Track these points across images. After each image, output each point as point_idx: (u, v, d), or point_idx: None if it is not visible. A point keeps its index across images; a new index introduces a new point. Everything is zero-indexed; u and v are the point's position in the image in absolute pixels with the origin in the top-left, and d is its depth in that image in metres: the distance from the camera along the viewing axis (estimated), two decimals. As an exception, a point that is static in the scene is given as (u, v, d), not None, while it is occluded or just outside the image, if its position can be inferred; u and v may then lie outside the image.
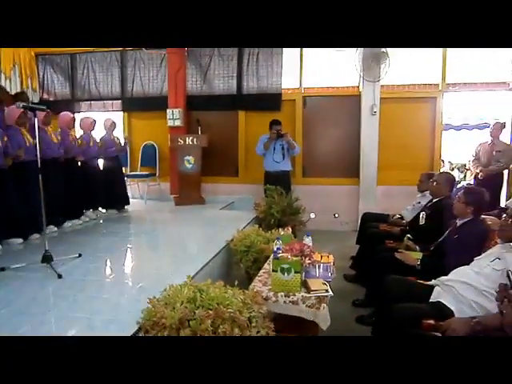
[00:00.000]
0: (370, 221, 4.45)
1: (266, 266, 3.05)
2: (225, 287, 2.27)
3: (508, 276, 1.52)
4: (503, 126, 5.52)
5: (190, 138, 5.61)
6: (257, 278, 2.81)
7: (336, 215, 6.07)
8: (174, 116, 5.83)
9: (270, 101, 5.98)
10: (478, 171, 5.53)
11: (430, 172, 4.59)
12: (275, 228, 4.15)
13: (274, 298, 2.53)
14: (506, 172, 5.57)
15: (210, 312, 2.00)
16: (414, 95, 5.85)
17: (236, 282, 2.29)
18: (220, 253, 3.52)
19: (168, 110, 5.91)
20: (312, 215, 5.12)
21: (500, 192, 5.51)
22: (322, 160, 6.07)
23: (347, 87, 6.11)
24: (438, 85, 5.83)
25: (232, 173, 6.26)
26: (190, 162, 5.63)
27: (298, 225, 4.99)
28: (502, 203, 5.20)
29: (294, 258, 2.60)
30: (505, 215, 2.31)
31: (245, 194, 5.99)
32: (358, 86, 6.15)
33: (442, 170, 6.39)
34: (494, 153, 5.43)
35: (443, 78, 5.77)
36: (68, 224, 4.44)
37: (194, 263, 3.13)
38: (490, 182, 5.29)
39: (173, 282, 2.30)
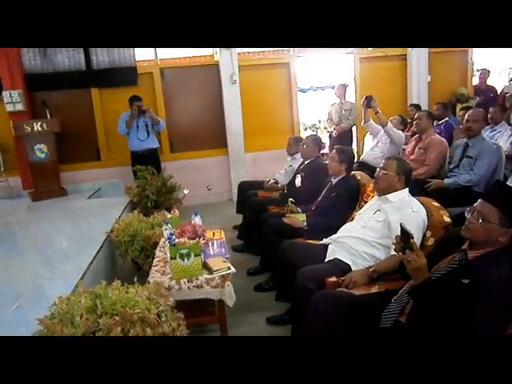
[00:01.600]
0: (246, 189, 4.52)
1: (158, 253, 2.88)
2: (124, 286, 2.07)
3: (402, 228, 1.66)
4: (346, 86, 6.07)
5: (39, 124, 4.88)
6: (152, 268, 2.64)
7: (209, 187, 6.05)
8: (14, 99, 4.97)
9: (124, 75, 5.49)
10: (332, 130, 6.04)
11: (296, 136, 4.85)
12: (157, 211, 3.95)
13: (176, 286, 2.42)
14: (354, 128, 6.19)
15: (116, 318, 1.79)
16: (270, 61, 6.02)
17: (139, 280, 2.10)
18: (102, 247, 3.20)
19: (4, 93, 5.01)
20: (186, 191, 5.00)
21: (351, 145, 6.11)
22: (189, 133, 5.90)
23: (203, 56, 5.98)
24: (289, 50, 6.08)
25: (93, 157, 5.69)
26: (42, 151, 4.93)
27: (175, 203, 4.84)
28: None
29: (191, 242, 2.50)
30: (378, 169, 2.53)
31: (111, 178, 5.54)
32: (213, 55, 6.08)
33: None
34: (343, 112, 5.97)
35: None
36: None
37: (74, 265, 2.79)
38: (342, 139, 5.85)
39: (60, 293, 1.99)
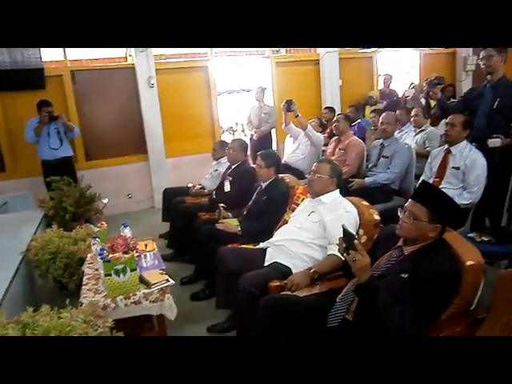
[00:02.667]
0: (172, 196, 4.40)
1: (87, 270, 2.69)
2: (54, 311, 1.90)
3: (344, 229, 1.73)
4: (263, 90, 6.19)
5: None
6: (83, 287, 2.45)
7: (130, 195, 5.80)
8: None
9: (29, 78, 5.00)
10: (252, 133, 6.12)
11: (221, 140, 4.82)
12: (76, 224, 3.69)
13: (113, 305, 2.27)
14: (273, 131, 6.33)
15: (52, 347, 1.65)
16: (188, 65, 5.93)
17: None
18: (19, 269, 2.90)
19: None
20: (105, 200, 4.75)
21: (271, 148, 6.24)
22: (105, 140, 5.59)
23: (117, 58, 5.72)
24: (206, 53, 6.05)
25: (-4, 168, 5.16)
26: None
27: (95, 214, 4.56)
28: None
29: (126, 256, 2.36)
30: (311, 172, 2.61)
31: (18, 190, 5.05)
32: (126, 57, 5.85)
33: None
34: (262, 115, 6.08)
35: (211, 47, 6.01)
36: None
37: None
38: (263, 141, 5.96)
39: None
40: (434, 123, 5.09)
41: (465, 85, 7.46)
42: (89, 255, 2.92)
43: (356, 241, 1.67)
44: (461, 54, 7.51)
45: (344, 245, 1.73)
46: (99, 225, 3.07)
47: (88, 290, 2.41)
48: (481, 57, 3.13)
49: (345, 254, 1.73)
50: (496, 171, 3.00)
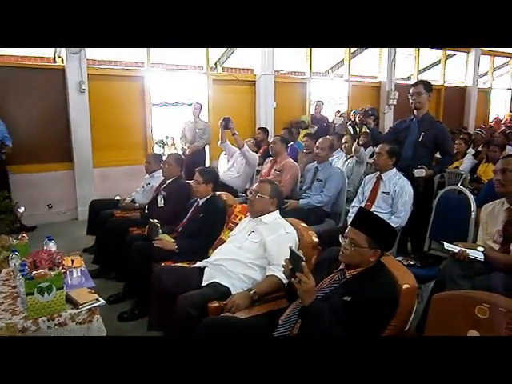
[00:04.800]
0: (99, 208, 4.15)
1: (1, 288, 2.40)
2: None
3: (291, 251, 1.74)
4: (201, 106, 6.17)
5: None
6: (-5, 307, 2.19)
7: (50, 205, 5.38)
8: None
9: None
10: (185, 147, 6.02)
11: (155, 153, 4.69)
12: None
13: (34, 327, 2.05)
14: (207, 147, 6.30)
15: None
16: (123, 73, 5.74)
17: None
18: None
19: None
20: (21, 209, 4.37)
21: (204, 164, 6.20)
22: (25, 144, 5.12)
23: (46, 58, 5.37)
24: (143, 63, 5.90)
25: None
26: None
27: (11, 224, 4.17)
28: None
29: (52, 273, 2.17)
30: (251, 191, 2.62)
31: None
32: (55, 57, 5.52)
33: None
34: (196, 130, 6.03)
35: (148, 58, 5.87)
36: None
37: None
38: (196, 157, 5.90)
39: None
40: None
41: (387, 116, 8.06)
42: (4, 270, 2.64)
43: (303, 263, 1.67)
44: (384, 89, 8.09)
45: (290, 266, 1.74)
46: (19, 237, 2.80)
47: (3, 310, 2.15)
48: (411, 93, 3.39)
49: (290, 276, 1.73)
50: (420, 199, 3.23)
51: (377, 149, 3.31)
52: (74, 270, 2.60)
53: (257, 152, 5.30)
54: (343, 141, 4.93)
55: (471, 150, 6.02)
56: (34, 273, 2.12)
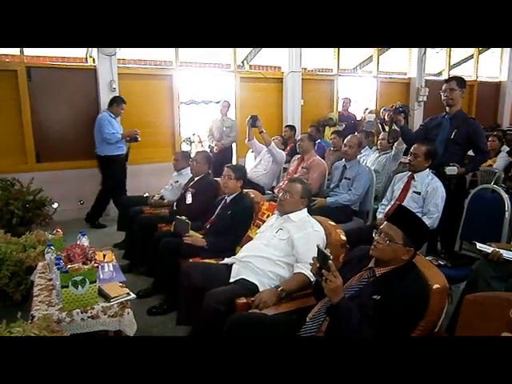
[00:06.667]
0: (129, 205, 4.25)
1: (38, 280, 2.51)
2: (2, 325, 1.77)
3: (319, 249, 1.74)
4: (229, 104, 6.20)
5: None
6: (34, 299, 2.27)
7: (81, 202, 5.53)
8: None
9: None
10: (213, 145, 6.08)
11: (184, 151, 4.75)
12: (24, 229, 3.48)
13: (68, 319, 2.13)
14: (234, 145, 6.33)
15: None
16: (152, 72, 5.83)
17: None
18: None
19: None
20: (55, 205, 4.52)
21: (231, 162, 6.23)
22: (59, 142, 5.31)
23: (78, 58, 5.51)
24: (171, 62, 5.97)
25: None
26: None
27: (43, 219, 4.32)
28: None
29: (86, 267, 2.23)
30: (282, 191, 2.62)
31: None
32: (86, 58, 5.66)
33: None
34: (224, 128, 6.07)
35: (176, 57, 5.95)
36: None
37: None
38: (223, 155, 5.94)
39: None
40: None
41: (417, 113, 7.89)
42: (40, 264, 2.74)
43: (330, 261, 1.67)
44: (414, 85, 7.93)
45: (318, 265, 1.74)
46: (54, 232, 2.89)
47: (40, 301, 2.25)
48: (443, 89, 3.31)
49: (317, 275, 1.73)
50: (451, 197, 3.15)
51: (412, 149, 3.20)
52: (106, 264, 2.67)
53: (284, 149, 5.28)
54: (380, 137, 4.88)
55: (505, 148, 5.82)
56: (68, 266, 2.19)
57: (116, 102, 5.00)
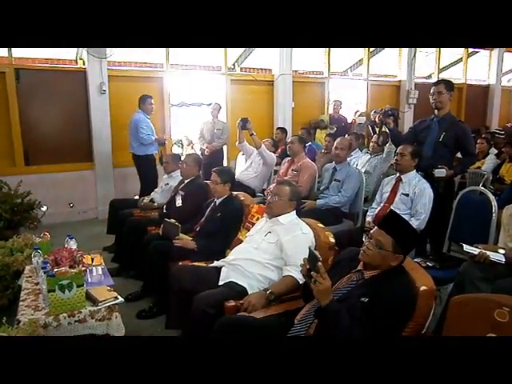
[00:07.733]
0: (119, 208, 4.22)
1: (25, 285, 2.48)
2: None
3: (310, 251, 1.74)
4: (220, 106, 6.19)
5: None
6: (21, 303, 2.25)
7: (71, 204, 5.49)
8: None
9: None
10: (204, 148, 6.06)
11: (173, 153, 4.73)
12: (11, 232, 3.44)
13: (55, 323, 2.11)
14: (225, 147, 6.32)
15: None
16: (142, 74, 5.81)
17: None
18: None
19: None
20: (44, 208, 4.48)
21: (222, 165, 6.22)
22: (48, 144, 5.27)
23: (68, 60, 5.47)
24: (162, 64, 5.96)
25: None
26: None
27: (32, 222, 4.28)
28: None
29: (73, 271, 2.22)
30: (270, 193, 2.62)
31: None
32: (76, 60, 5.62)
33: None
34: (215, 131, 6.05)
35: (167, 59, 5.93)
36: None
37: None
38: (214, 157, 5.92)
39: None
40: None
41: (407, 116, 7.95)
42: (27, 268, 2.72)
43: (320, 263, 1.67)
44: (404, 88, 7.99)
45: (307, 266, 1.74)
46: (42, 235, 2.87)
47: (26, 306, 2.22)
48: (432, 92, 3.34)
49: (307, 276, 1.73)
50: (439, 199, 3.17)
51: (399, 149, 3.25)
52: (94, 268, 2.65)
53: (274, 152, 5.29)
54: (373, 139, 4.93)
55: (493, 150, 5.88)
56: (55, 270, 2.18)
57: (143, 100, 5.02)
